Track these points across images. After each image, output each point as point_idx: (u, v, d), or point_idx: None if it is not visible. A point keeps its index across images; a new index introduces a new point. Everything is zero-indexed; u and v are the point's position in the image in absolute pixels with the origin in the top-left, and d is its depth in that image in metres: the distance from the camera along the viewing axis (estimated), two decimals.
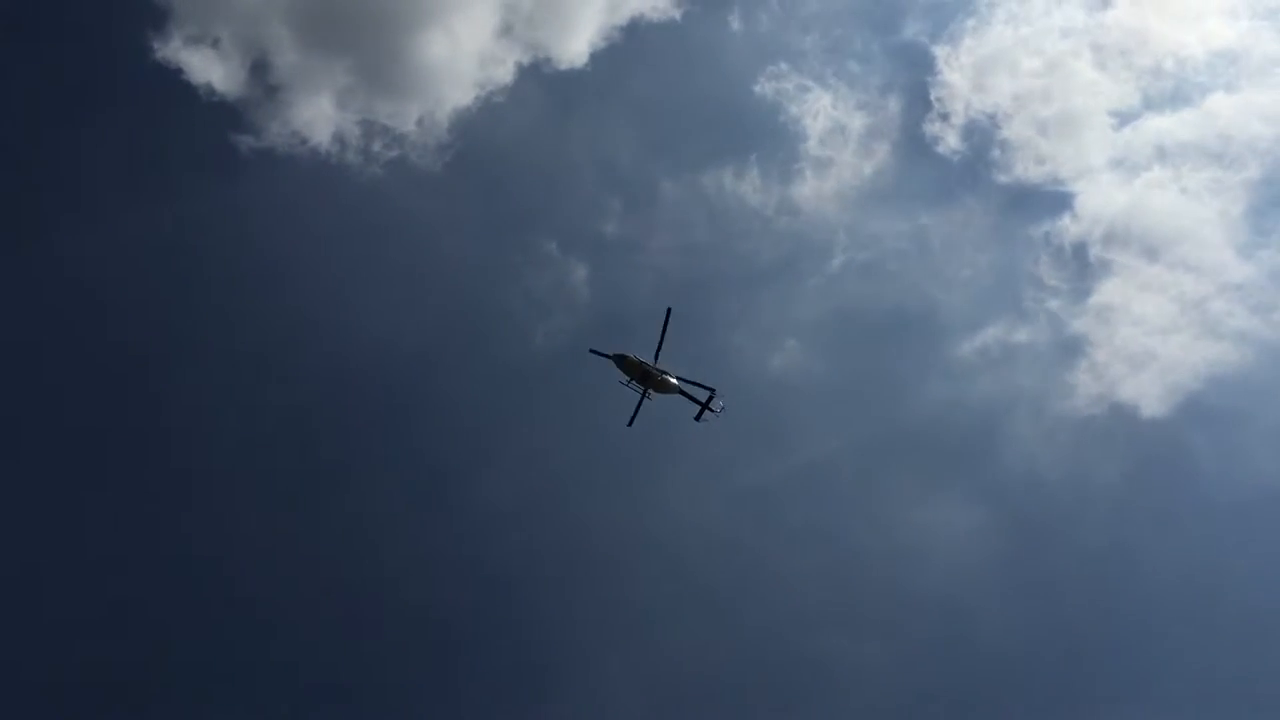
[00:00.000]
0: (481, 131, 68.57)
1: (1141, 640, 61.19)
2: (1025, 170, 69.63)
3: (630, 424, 51.12)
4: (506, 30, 67.52)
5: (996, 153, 69.93)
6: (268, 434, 63.12)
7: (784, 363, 68.64)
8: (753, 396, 66.99)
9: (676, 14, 69.75)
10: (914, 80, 71.62)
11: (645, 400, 50.45)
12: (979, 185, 70.67)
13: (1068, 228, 68.71)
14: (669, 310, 48.87)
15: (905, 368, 68.93)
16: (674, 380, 50.82)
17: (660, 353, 49.72)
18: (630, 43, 69.94)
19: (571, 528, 63.61)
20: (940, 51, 71.14)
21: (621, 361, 49.87)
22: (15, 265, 61.53)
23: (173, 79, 63.17)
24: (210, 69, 63.28)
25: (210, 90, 63.58)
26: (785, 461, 65.94)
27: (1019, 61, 70.52)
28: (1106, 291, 67.48)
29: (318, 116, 65.24)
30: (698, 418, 52.07)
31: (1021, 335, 68.15)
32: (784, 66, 71.26)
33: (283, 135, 64.75)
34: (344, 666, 58.52)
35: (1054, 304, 68.12)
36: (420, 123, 66.88)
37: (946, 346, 68.69)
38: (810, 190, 70.69)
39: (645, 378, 50.09)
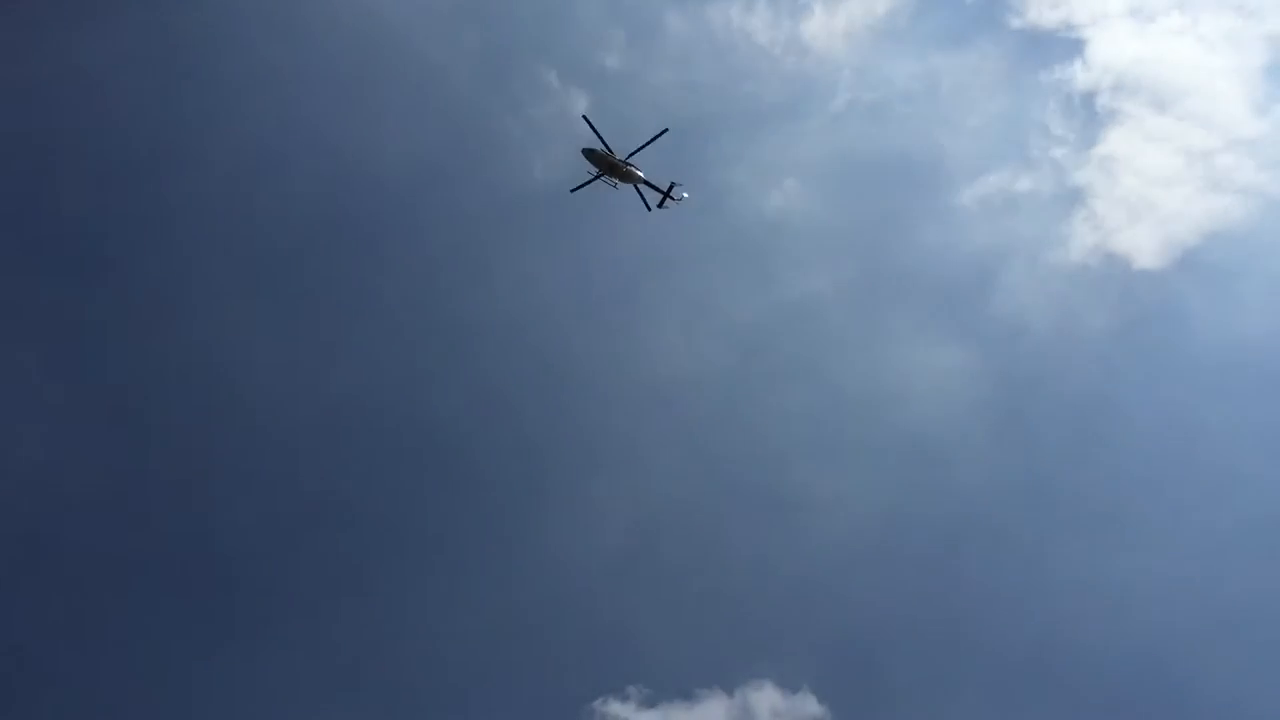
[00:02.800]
0: None
1: (1116, 486, 61.98)
2: (1040, 14, 68.00)
3: (572, 190, 55.59)
4: None
5: None
6: (260, 246, 63.57)
7: (782, 202, 68.53)
8: (748, 234, 67.65)
9: None
10: None
11: (612, 188, 54.81)
12: (992, 28, 69.27)
13: (1078, 75, 67.62)
14: (665, 130, 52.99)
15: (905, 211, 68.73)
16: (639, 172, 54.81)
17: (634, 156, 53.90)
18: None
19: (563, 353, 64.58)
20: None
21: (590, 154, 53.93)
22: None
23: None
24: None
25: None
26: (776, 298, 66.55)
27: None
28: (1112, 141, 66.78)
29: None
30: (660, 205, 55.67)
31: (1024, 184, 67.79)
32: None
33: None
34: (335, 474, 60.06)
35: (1059, 153, 67.61)
36: None
37: (948, 192, 68.35)
38: (819, 27, 69.25)
39: (611, 169, 54.33)
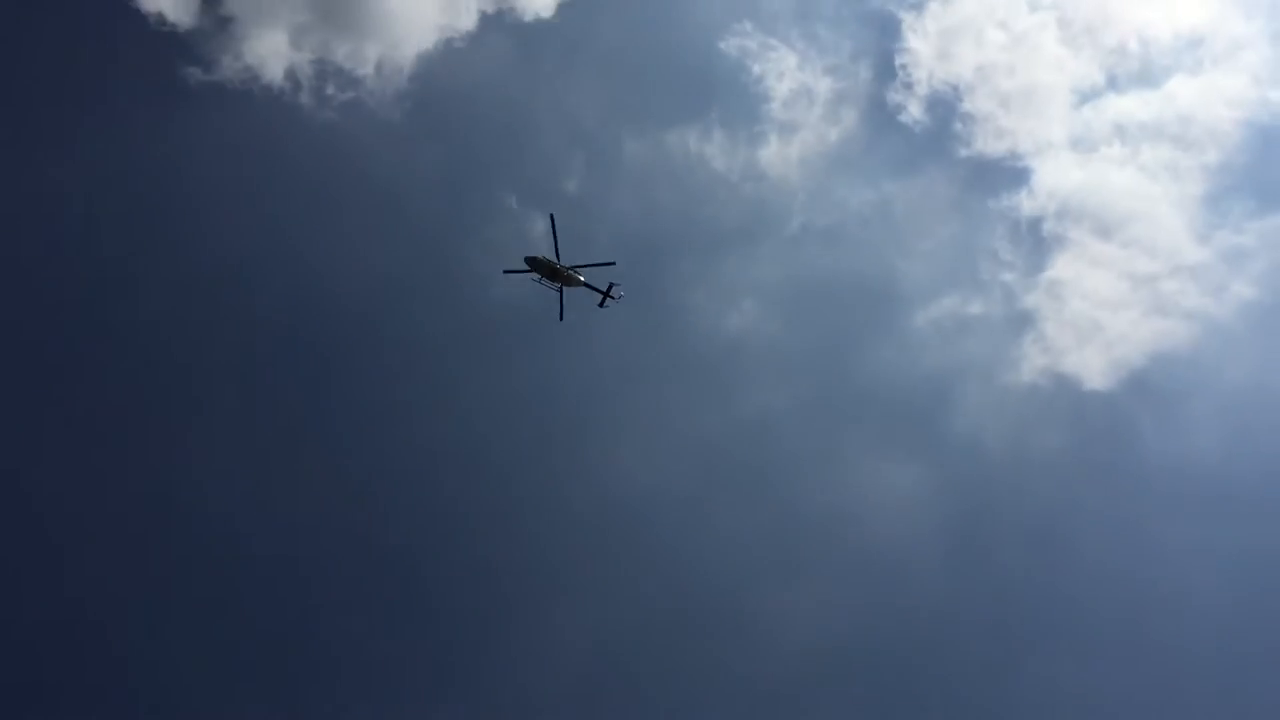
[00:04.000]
0: (442, 79, 68.16)
1: (1069, 603, 62.54)
2: (985, 144, 70.31)
3: (560, 319, 57.61)
4: None
5: (958, 125, 70.58)
6: (215, 366, 63.17)
7: (739, 322, 69.66)
8: (707, 353, 68.41)
9: None
10: (880, 46, 71.78)
11: (561, 296, 56.79)
12: (940, 157, 71.43)
13: (1024, 203, 69.71)
14: (612, 263, 56.31)
15: (860, 332, 70.14)
16: (580, 276, 57.14)
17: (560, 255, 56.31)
18: None
19: (520, 473, 64.47)
20: (907, 18, 71.27)
21: (532, 262, 55.91)
22: None
23: (122, 5, 61.96)
24: None
25: (161, 19, 62.34)
26: (734, 417, 67.16)
27: (985, 32, 70.89)
28: (1059, 266, 68.65)
29: (271, 52, 64.16)
30: (601, 305, 58.10)
31: (975, 307, 69.46)
32: (749, 25, 71.16)
33: (234, 69, 63.72)
34: (288, 600, 59.42)
35: (1008, 277, 69.38)
36: (379, 68, 66.15)
37: (902, 314, 69.88)
38: (775, 154, 71.06)
39: (554, 274, 56.36)
